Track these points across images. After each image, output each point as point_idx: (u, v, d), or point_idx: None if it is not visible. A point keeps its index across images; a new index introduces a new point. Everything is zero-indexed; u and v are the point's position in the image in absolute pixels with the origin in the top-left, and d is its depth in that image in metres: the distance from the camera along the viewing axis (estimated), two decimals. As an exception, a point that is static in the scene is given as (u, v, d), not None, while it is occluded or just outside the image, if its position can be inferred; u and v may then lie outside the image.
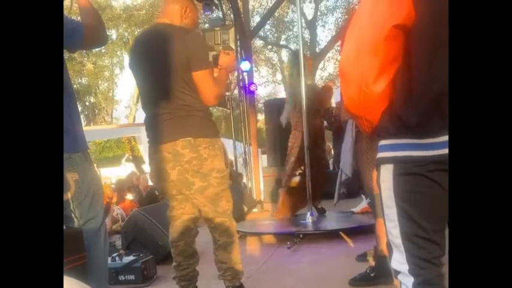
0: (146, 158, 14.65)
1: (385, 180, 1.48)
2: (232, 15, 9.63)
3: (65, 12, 2.54)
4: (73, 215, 2.40)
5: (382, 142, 1.49)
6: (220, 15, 8.97)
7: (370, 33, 1.38)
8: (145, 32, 2.90)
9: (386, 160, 1.47)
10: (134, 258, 3.79)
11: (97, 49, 20.83)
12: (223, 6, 9.44)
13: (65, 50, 2.47)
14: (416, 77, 1.37)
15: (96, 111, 23.55)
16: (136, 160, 16.29)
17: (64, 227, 2.46)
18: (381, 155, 1.49)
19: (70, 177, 2.35)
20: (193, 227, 2.81)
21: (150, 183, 10.15)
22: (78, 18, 2.55)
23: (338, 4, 21.27)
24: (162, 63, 2.59)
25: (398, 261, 1.49)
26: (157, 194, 8.39)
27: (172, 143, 2.57)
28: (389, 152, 1.46)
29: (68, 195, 2.35)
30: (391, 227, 1.48)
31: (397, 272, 1.50)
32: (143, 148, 15.04)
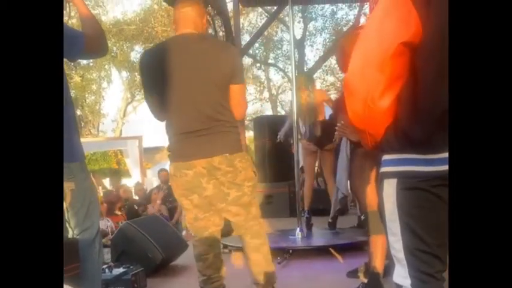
0: (133, 172, 14.57)
1: (388, 194, 1.50)
2: (221, 33, 9.69)
3: (64, 19, 2.55)
4: (67, 225, 2.38)
5: (386, 157, 1.51)
6: (212, 33, 9.02)
7: (377, 49, 1.40)
8: (175, 43, 2.76)
9: (389, 175, 1.49)
10: (124, 270, 3.76)
11: (85, 62, 20.77)
12: (216, 23, 9.50)
13: (65, 59, 2.47)
14: (423, 92, 1.40)
15: (83, 124, 23.39)
16: (113, 174, 16.15)
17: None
18: (384, 169, 1.52)
19: (66, 186, 2.33)
20: (220, 239, 2.83)
21: (135, 197, 10.09)
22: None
23: (326, 25, 21.50)
24: (202, 76, 2.58)
25: (401, 276, 1.50)
26: (136, 208, 8.33)
27: (208, 159, 2.61)
28: (393, 167, 1.48)
29: (63, 205, 2.33)
30: (394, 241, 1.50)
31: (399, 287, 1.51)
32: (130, 161, 14.92)
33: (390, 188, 1.48)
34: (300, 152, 5.89)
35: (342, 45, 3.36)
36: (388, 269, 3.11)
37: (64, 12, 2.52)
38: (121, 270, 3.77)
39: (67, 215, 2.37)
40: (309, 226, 5.68)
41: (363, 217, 3.36)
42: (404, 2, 1.36)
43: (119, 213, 6.18)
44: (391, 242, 1.52)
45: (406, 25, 1.37)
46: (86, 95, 24.31)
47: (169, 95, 2.66)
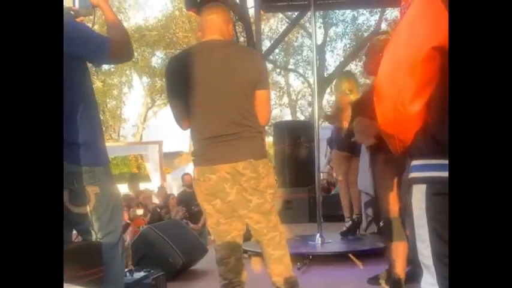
0: (153, 177, 14.67)
1: (417, 200, 1.47)
2: (242, 38, 9.71)
3: (89, 24, 2.58)
4: (91, 229, 2.40)
5: (415, 162, 1.49)
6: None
7: (408, 54, 1.38)
8: (201, 49, 2.81)
9: (418, 180, 1.47)
10: (145, 274, 3.77)
11: (106, 67, 21.01)
12: (237, 28, 9.52)
13: (90, 64, 2.50)
14: (454, 98, 1.38)
15: (104, 128, 23.66)
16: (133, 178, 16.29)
17: (82, 240, 2.47)
18: (413, 175, 1.50)
19: (91, 190, 2.36)
20: (241, 244, 2.84)
21: (155, 201, 10.13)
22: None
23: (347, 30, 21.47)
24: (228, 82, 2.62)
25: (429, 283, 1.47)
26: (159, 211, 8.37)
27: (233, 164, 2.61)
28: (422, 172, 1.46)
29: (87, 209, 2.35)
30: (422, 247, 1.48)
31: (427, 294, 1.49)
32: (150, 166, 15.03)
33: (419, 193, 1.46)
34: (321, 157, 5.86)
35: (372, 48, 3.34)
36: (409, 275, 3.09)
37: (90, 17, 2.55)
38: (142, 274, 3.79)
39: (91, 219, 2.38)
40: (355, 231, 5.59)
41: (381, 223, 3.33)
42: (436, 4, 1.34)
43: (140, 213, 6.20)
44: (419, 248, 1.49)
45: (437, 28, 1.34)
46: (107, 100, 24.60)
47: (195, 101, 2.69)
